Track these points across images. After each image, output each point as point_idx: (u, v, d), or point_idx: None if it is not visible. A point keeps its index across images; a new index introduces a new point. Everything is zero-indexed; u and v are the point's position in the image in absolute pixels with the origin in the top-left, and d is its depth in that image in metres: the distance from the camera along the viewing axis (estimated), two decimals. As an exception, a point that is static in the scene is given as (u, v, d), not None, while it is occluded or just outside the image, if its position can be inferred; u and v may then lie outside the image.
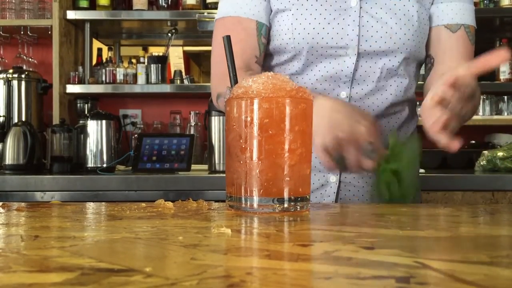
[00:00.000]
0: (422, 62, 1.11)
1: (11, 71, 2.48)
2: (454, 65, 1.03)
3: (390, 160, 0.82)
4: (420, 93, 1.06)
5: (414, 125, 1.14)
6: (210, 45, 1.13)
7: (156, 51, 2.93)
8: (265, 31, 1.06)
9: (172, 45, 2.85)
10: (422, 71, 1.16)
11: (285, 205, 0.67)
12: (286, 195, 0.67)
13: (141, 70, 2.63)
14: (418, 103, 1.11)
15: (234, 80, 0.76)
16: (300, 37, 1.02)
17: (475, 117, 2.68)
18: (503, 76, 2.65)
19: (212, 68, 1.08)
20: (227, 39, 0.77)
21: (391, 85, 1.05)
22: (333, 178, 1.05)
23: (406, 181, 0.82)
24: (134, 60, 2.92)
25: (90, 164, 2.25)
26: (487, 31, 2.72)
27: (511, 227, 0.60)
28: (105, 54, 2.83)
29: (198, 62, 3.27)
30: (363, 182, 1.05)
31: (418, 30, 1.04)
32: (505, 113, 2.72)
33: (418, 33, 1.04)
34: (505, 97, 2.72)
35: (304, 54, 1.03)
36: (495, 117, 2.68)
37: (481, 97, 2.68)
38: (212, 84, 1.09)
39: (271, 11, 1.06)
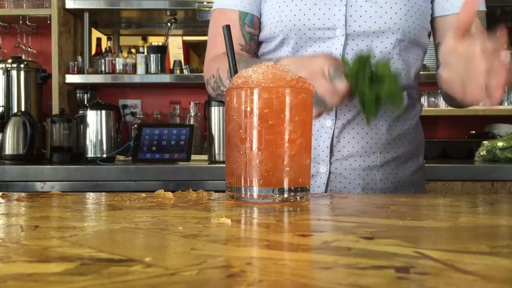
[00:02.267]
0: (425, 48, 1.08)
1: (10, 61, 2.47)
2: None
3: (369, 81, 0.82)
4: (424, 83, 1.03)
5: (417, 116, 1.10)
6: (209, 35, 1.15)
7: (156, 41, 2.91)
8: (249, 20, 1.07)
9: (172, 35, 2.84)
10: (424, 62, 1.12)
11: (285, 195, 0.67)
12: (286, 185, 0.67)
13: (140, 60, 2.63)
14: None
15: (234, 70, 0.75)
16: (287, 19, 1.01)
17: (475, 107, 2.68)
18: (504, 66, 2.63)
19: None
20: (227, 29, 0.76)
21: None
22: (323, 169, 1.03)
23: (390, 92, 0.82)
24: (133, 50, 2.91)
25: (90, 154, 2.25)
26: (488, 21, 2.71)
27: (511, 217, 0.60)
28: (104, 43, 2.81)
29: (197, 52, 3.26)
30: (354, 174, 1.03)
31: (411, 10, 1.01)
32: (505, 103, 2.72)
33: (412, 13, 1.01)
34: (505, 87, 2.71)
35: (292, 37, 1.02)
36: (495, 107, 2.68)
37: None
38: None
39: None
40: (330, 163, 1.03)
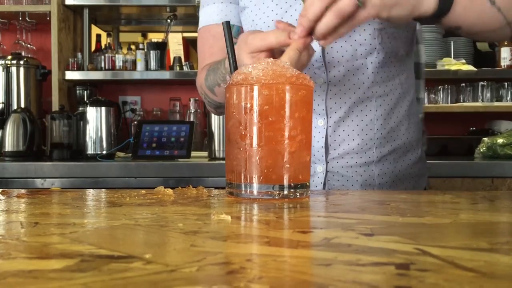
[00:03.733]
0: (413, 28, 1.05)
1: (9, 57, 2.47)
2: None
3: None
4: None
5: (412, 103, 1.08)
6: (210, 30, 1.15)
7: (155, 37, 2.91)
8: (235, 32, 1.08)
9: (172, 31, 2.83)
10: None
11: (285, 192, 0.67)
12: (286, 182, 0.67)
13: (140, 56, 2.62)
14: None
15: (234, 66, 0.75)
16: (263, 29, 1.02)
17: (475, 104, 2.68)
18: (504, 62, 2.64)
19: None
20: (227, 25, 0.76)
21: (371, 62, 1.00)
22: (320, 168, 1.02)
23: None
24: (133, 47, 2.91)
25: (90, 151, 2.25)
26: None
27: (511, 213, 0.60)
28: (104, 40, 2.81)
29: (197, 49, 3.25)
30: (352, 171, 1.02)
31: None
32: (506, 100, 2.71)
33: None
34: (506, 83, 2.71)
35: None
36: (496, 103, 2.68)
37: (482, 83, 2.67)
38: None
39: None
40: (327, 162, 1.02)
